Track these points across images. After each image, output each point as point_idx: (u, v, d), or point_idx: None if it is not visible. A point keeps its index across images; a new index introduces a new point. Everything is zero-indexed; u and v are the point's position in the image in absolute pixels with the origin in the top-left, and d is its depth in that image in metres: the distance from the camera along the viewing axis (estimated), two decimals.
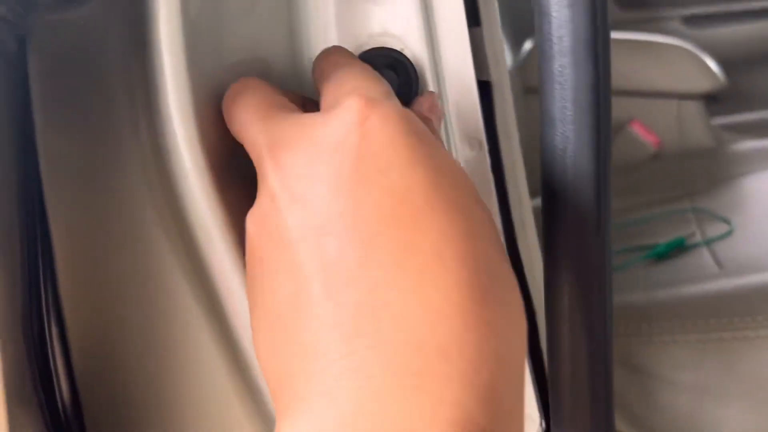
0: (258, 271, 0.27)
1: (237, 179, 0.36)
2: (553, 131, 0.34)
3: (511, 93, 0.49)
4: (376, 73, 0.33)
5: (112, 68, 0.35)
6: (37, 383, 0.36)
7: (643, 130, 1.25)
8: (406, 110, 0.28)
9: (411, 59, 0.41)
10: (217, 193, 0.34)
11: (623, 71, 1.28)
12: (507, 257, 0.28)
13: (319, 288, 0.24)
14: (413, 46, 0.41)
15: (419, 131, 0.28)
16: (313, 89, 0.42)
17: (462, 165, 0.43)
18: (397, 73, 0.41)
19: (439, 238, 0.25)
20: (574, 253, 0.35)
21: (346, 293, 0.23)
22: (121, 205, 0.36)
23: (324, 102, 0.31)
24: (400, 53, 0.41)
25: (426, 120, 0.36)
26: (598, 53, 0.33)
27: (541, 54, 0.34)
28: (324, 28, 0.42)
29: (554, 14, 0.32)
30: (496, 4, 0.48)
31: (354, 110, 0.26)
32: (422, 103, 0.38)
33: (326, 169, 0.25)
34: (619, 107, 1.30)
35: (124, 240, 0.36)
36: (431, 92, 0.40)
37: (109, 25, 0.35)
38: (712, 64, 1.28)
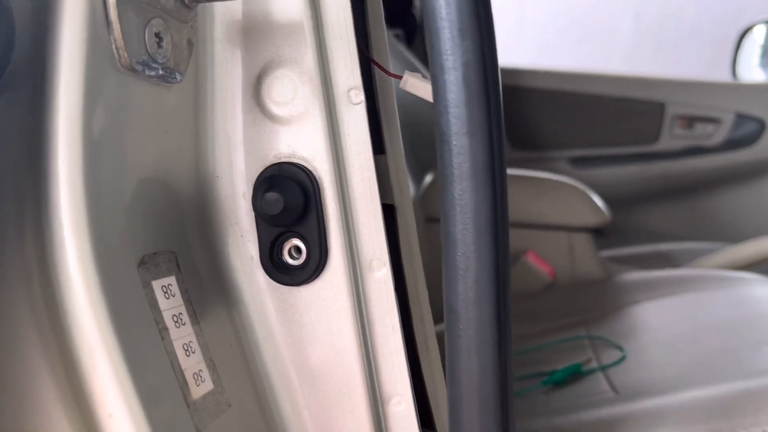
0: None
1: (131, 299, 0.34)
2: (455, 252, 0.35)
3: (413, 216, 0.50)
4: None
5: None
6: None
7: (538, 261, 1.30)
8: None
9: (317, 179, 0.42)
10: (107, 312, 0.32)
11: (518, 205, 1.35)
12: None
13: None
14: (320, 168, 0.42)
15: None
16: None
17: (367, 287, 0.43)
18: (303, 190, 0.41)
19: None
20: (475, 373, 0.35)
21: None
22: None
23: None
24: (303, 170, 0.41)
25: None
26: (495, 177, 0.34)
27: (443, 179, 0.35)
28: (231, 148, 0.42)
29: (454, 142, 0.34)
30: (400, 135, 0.50)
31: None
32: None
33: None
34: (514, 238, 1.36)
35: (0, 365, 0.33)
36: None
37: (4, 128, 0.34)
38: (598, 201, 1.38)
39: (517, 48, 3.10)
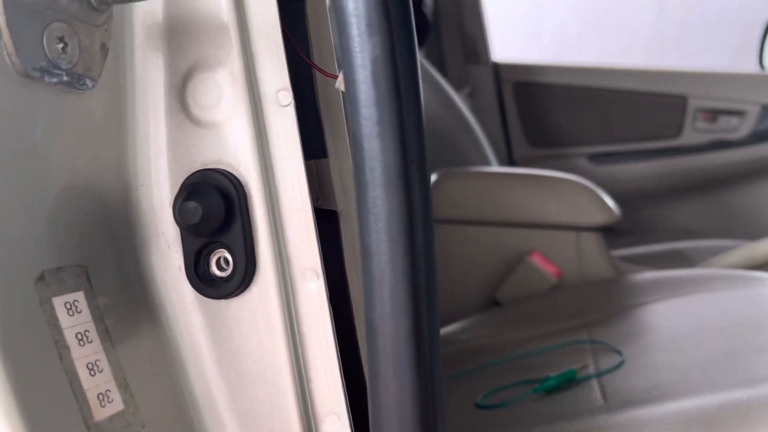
0: None
1: (22, 317, 0.32)
2: (371, 262, 0.33)
3: None
4: None
5: None
6: None
7: (543, 261, 1.26)
8: None
9: (244, 185, 0.40)
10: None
11: (522, 204, 1.31)
12: None
13: None
14: (247, 175, 0.40)
15: None
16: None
17: (298, 298, 0.41)
18: (226, 198, 0.39)
19: None
20: (392, 392, 0.32)
21: None
22: None
23: None
24: (228, 177, 0.39)
25: None
26: (410, 183, 0.32)
27: (356, 185, 0.33)
28: (155, 155, 0.41)
29: (365, 145, 0.32)
30: (347, 137, 0.48)
31: None
32: None
33: None
34: (519, 239, 1.32)
35: None
36: None
37: None
38: (607, 198, 1.34)
39: (539, 43, 3.05)
